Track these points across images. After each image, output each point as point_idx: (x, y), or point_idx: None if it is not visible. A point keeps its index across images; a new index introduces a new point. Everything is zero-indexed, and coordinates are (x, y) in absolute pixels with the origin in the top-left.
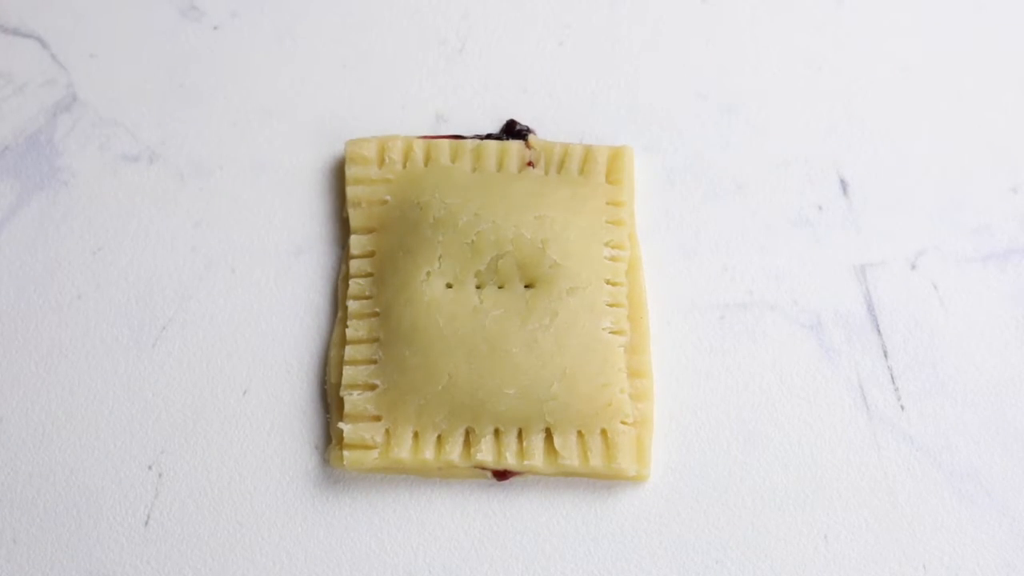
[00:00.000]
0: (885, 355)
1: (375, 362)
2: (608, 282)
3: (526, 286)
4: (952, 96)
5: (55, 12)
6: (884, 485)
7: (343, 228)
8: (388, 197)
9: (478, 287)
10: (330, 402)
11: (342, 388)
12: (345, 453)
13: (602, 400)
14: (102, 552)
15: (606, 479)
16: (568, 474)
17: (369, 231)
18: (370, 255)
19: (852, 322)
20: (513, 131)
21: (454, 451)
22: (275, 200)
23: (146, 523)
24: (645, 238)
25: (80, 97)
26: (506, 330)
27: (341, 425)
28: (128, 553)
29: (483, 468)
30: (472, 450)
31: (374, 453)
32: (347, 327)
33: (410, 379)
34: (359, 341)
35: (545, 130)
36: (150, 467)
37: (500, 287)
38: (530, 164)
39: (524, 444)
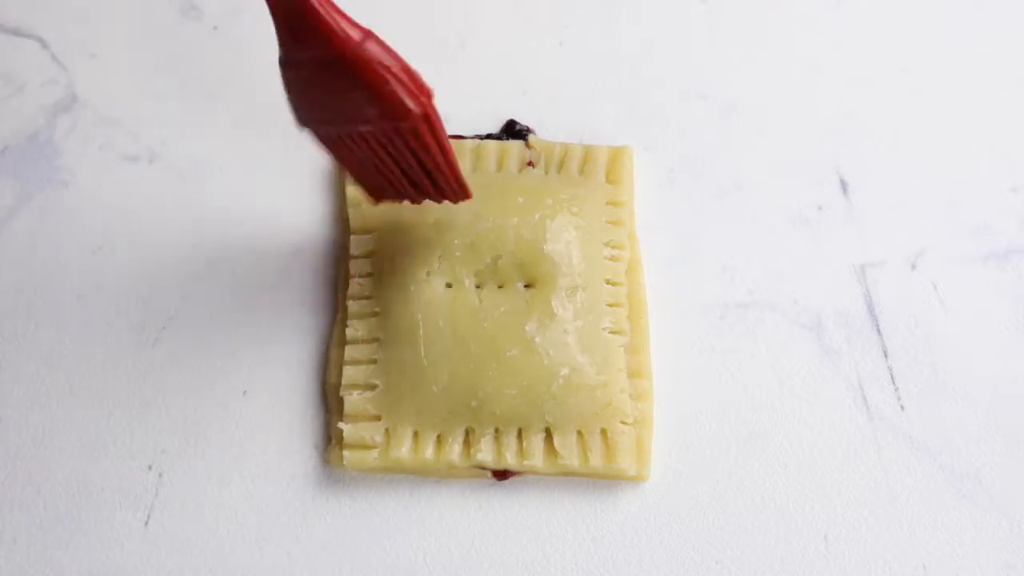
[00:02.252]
0: (885, 355)
1: (375, 362)
2: (608, 282)
3: (526, 286)
4: (952, 96)
5: (55, 12)
6: (884, 485)
7: (343, 228)
8: None
9: (478, 287)
10: (330, 402)
11: (342, 388)
12: (345, 453)
13: (602, 400)
14: (102, 552)
15: (606, 479)
16: (568, 474)
17: (369, 231)
18: (370, 255)
19: (852, 322)
20: (513, 131)
21: (454, 451)
22: (275, 200)
23: (146, 523)
24: (645, 238)
25: (80, 97)
26: (506, 330)
27: (341, 425)
28: (128, 553)
29: (483, 468)
30: (472, 450)
31: (374, 453)
32: (347, 327)
33: (410, 379)
34: (359, 341)
35: (545, 130)
36: (150, 467)
37: (500, 287)
38: (530, 164)
39: (524, 444)
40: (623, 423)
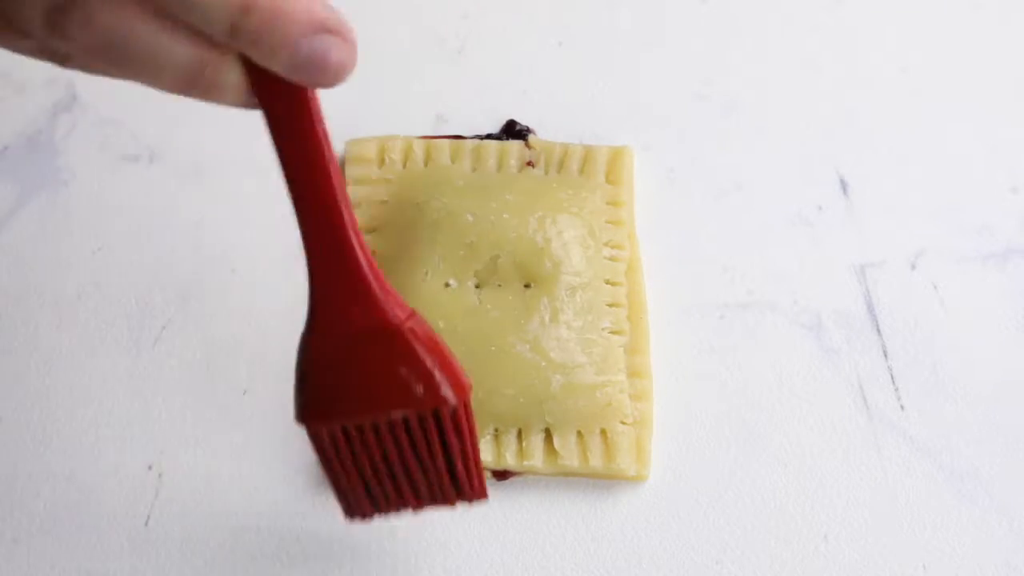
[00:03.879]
0: (885, 355)
1: None
2: (608, 282)
3: (525, 286)
4: (952, 96)
5: None
6: (884, 485)
7: None
8: (388, 197)
9: (477, 287)
10: None
11: None
12: None
13: (602, 400)
14: (102, 552)
15: (606, 479)
16: (568, 474)
17: (369, 231)
18: None
19: (852, 322)
20: (513, 131)
21: None
22: (275, 200)
23: (146, 523)
24: (645, 238)
25: (80, 97)
26: (505, 330)
27: None
28: (128, 553)
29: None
30: None
31: None
32: None
33: None
34: None
35: (545, 130)
36: (150, 467)
37: (499, 287)
38: (530, 164)
39: (524, 444)
40: (623, 423)
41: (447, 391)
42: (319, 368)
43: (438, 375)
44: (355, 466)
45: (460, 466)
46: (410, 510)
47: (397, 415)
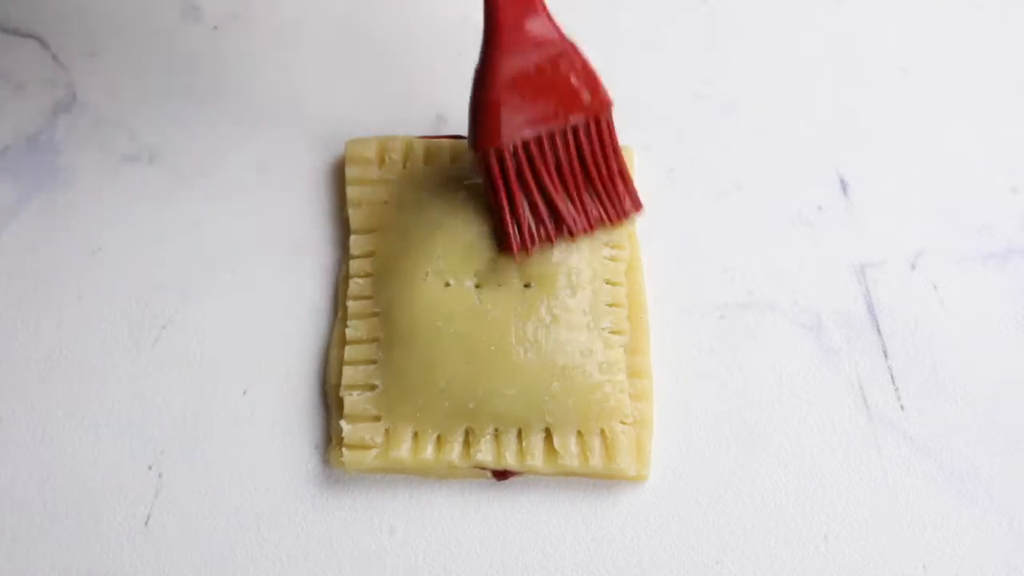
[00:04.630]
0: (885, 355)
1: (375, 362)
2: (608, 282)
3: (525, 286)
4: (952, 96)
5: (55, 12)
6: (884, 485)
7: (343, 228)
8: (388, 197)
9: (477, 286)
10: (330, 402)
11: (342, 388)
12: (345, 453)
13: (602, 400)
14: (102, 552)
15: (606, 479)
16: (568, 474)
17: (369, 231)
18: (370, 255)
19: (852, 322)
20: None
21: (454, 451)
22: (275, 200)
23: (146, 523)
24: (645, 238)
25: (80, 97)
26: (505, 329)
27: (341, 424)
28: (128, 553)
29: (483, 468)
30: (472, 450)
31: (373, 453)
32: (347, 327)
33: (410, 379)
34: (359, 341)
35: None
36: (150, 467)
37: (499, 286)
38: None
39: (524, 444)
40: (623, 423)
41: (607, 95)
42: (503, 98)
43: (600, 82)
44: (527, 188)
45: (619, 172)
46: (573, 233)
47: (573, 121)
